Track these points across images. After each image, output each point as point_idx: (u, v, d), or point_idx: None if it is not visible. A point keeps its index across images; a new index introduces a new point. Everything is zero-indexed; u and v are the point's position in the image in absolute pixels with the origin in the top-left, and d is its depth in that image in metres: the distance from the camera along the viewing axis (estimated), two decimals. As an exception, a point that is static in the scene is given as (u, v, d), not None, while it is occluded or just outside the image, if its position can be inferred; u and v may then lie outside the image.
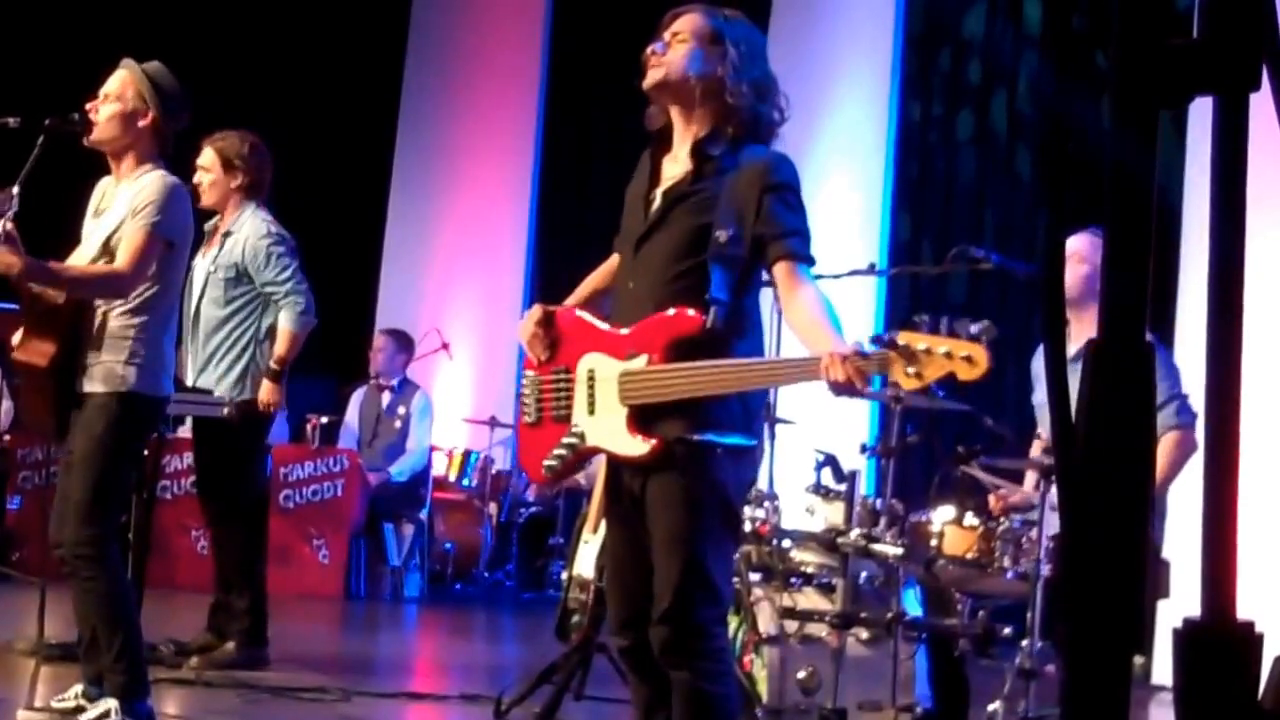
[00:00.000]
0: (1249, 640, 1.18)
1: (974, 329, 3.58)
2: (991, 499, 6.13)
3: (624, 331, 4.10)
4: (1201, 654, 1.18)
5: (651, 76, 4.15)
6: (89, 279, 5.46)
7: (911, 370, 3.56)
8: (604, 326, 4.17)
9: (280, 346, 7.12)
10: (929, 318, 3.63)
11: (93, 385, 5.38)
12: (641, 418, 4.00)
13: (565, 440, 4.18)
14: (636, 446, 4.00)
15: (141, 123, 5.56)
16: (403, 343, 11.66)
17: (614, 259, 4.40)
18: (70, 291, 5.43)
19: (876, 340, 3.64)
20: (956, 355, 3.54)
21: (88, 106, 5.57)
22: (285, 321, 7.13)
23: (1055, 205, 1.24)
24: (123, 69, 5.65)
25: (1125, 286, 1.17)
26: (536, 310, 4.31)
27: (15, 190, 5.42)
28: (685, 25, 4.17)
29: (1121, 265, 1.16)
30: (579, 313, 4.29)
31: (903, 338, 3.58)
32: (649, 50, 4.17)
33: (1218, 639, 1.17)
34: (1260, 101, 1.19)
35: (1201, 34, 1.16)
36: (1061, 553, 1.18)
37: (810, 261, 4.05)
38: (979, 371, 3.54)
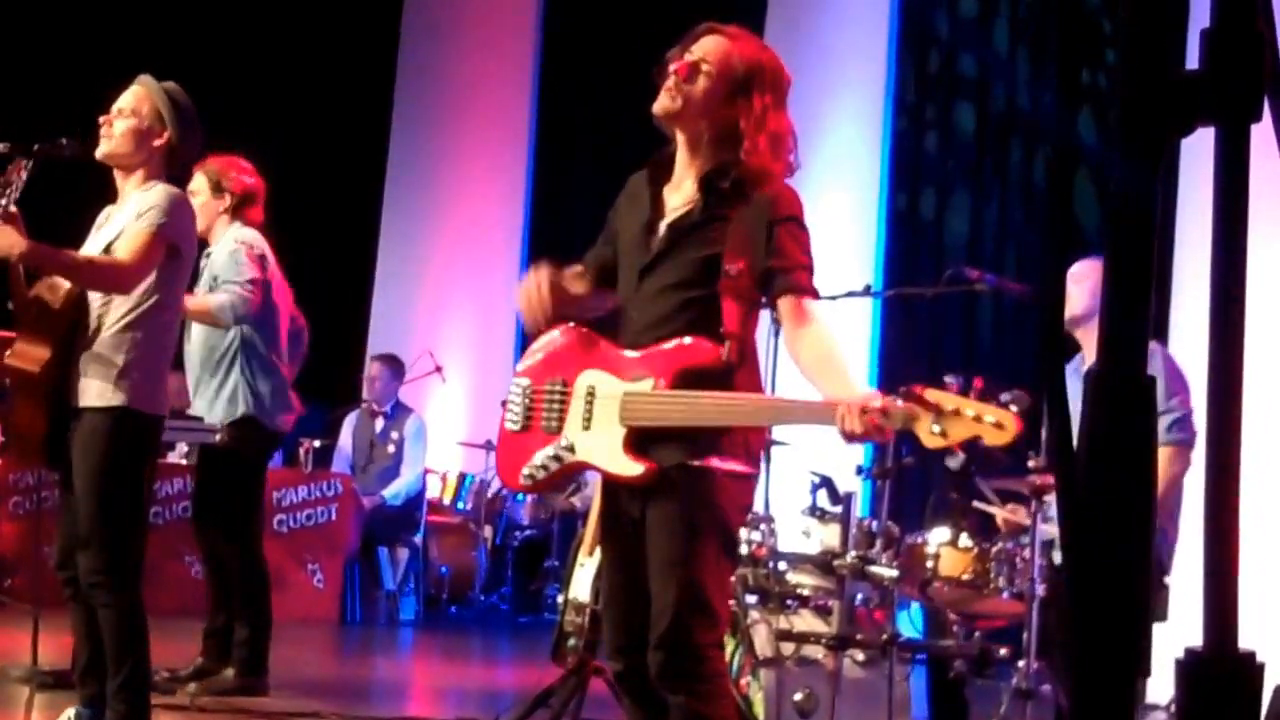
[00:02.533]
0: (1250, 670, 1.17)
1: (1006, 397, 3.54)
2: (999, 517, 6.09)
3: (631, 354, 4.07)
4: (1203, 684, 1.17)
5: (664, 104, 4.09)
6: (92, 266, 5.31)
7: (937, 429, 3.49)
8: (609, 346, 4.16)
9: (191, 302, 6.69)
10: (958, 379, 3.60)
11: (87, 400, 5.28)
12: (638, 440, 3.99)
13: (552, 451, 4.13)
14: (630, 468, 3.98)
15: (156, 142, 5.50)
16: (396, 368, 11.67)
17: (580, 266, 4.39)
18: (71, 276, 5.29)
19: (905, 394, 3.56)
20: (985, 420, 3.47)
21: (101, 120, 5.53)
22: (215, 300, 6.91)
23: (1056, 239, 1.23)
24: (139, 85, 5.60)
25: (1126, 315, 1.16)
26: (544, 271, 4.23)
27: (26, 164, 5.35)
28: (715, 58, 4.08)
29: (1123, 294, 1.16)
30: (585, 329, 4.26)
31: (932, 395, 3.52)
32: (672, 68, 4.08)
33: (1219, 669, 1.17)
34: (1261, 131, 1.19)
35: (1205, 65, 1.16)
36: (1065, 582, 1.18)
37: (815, 295, 4.02)
38: (1008, 438, 3.46)
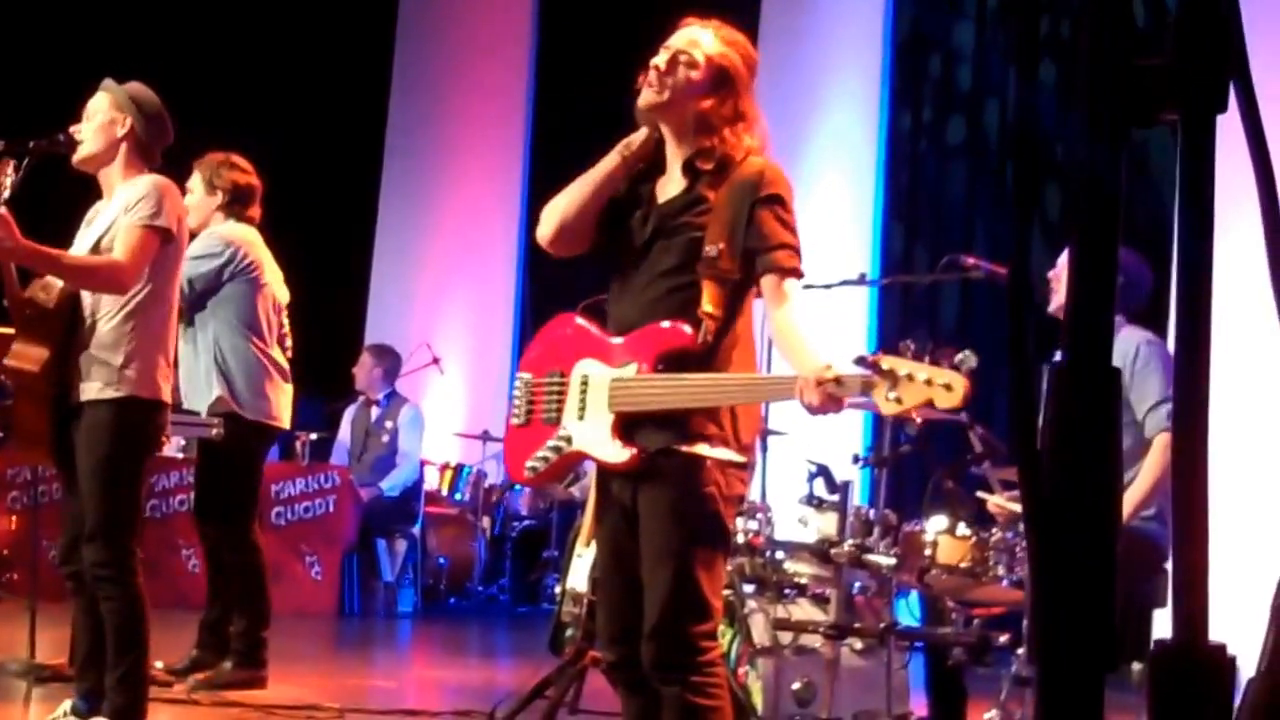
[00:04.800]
0: (1221, 664, 1.17)
1: (956, 358, 3.56)
2: (991, 505, 6.08)
3: (618, 340, 4.11)
4: (1174, 678, 1.17)
5: (648, 99, 4.12)
6: (88, 267, 5.35)
7: (892, 396, 3.52)
8: (600, 334, 4.18)
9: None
10: (914, 343, 3.62)
11: (88, 394, 5.31)
12: (626, 426, 4.01)
13: (551, 443, 4.18)
14: (617, 454, 4.02)
15: (121, 131, 5.54)
16: (382, 356, 11.64)
17: None
18: (66, 276, 5.33)
19: (859, 361, 3.60)
20: (936, 383, 3.49)
21: (72, 129, 5.56)
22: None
23: (1022, 224, 1.23)
24: (103, 90, 5.65)
25: (1090, 306, 1.16)
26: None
27: (13, 164, 5.39)
28: (696, 50, 4.12)
29: (1088, 284, 1.15)
30: (579, 320, 4.29)
31: (886, 362, 3.55)
32: (653, 63, 4.13)
33: (1190, 663, 1.16)
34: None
35: (1170, 55, 1.15)
36: (1031, 578, 1.17)
37: (797, 275, 4.03)
38: (956, 400, 3.48)
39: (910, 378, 3.51)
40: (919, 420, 3.75)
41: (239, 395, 7.08)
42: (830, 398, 3.63)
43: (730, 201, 4.03)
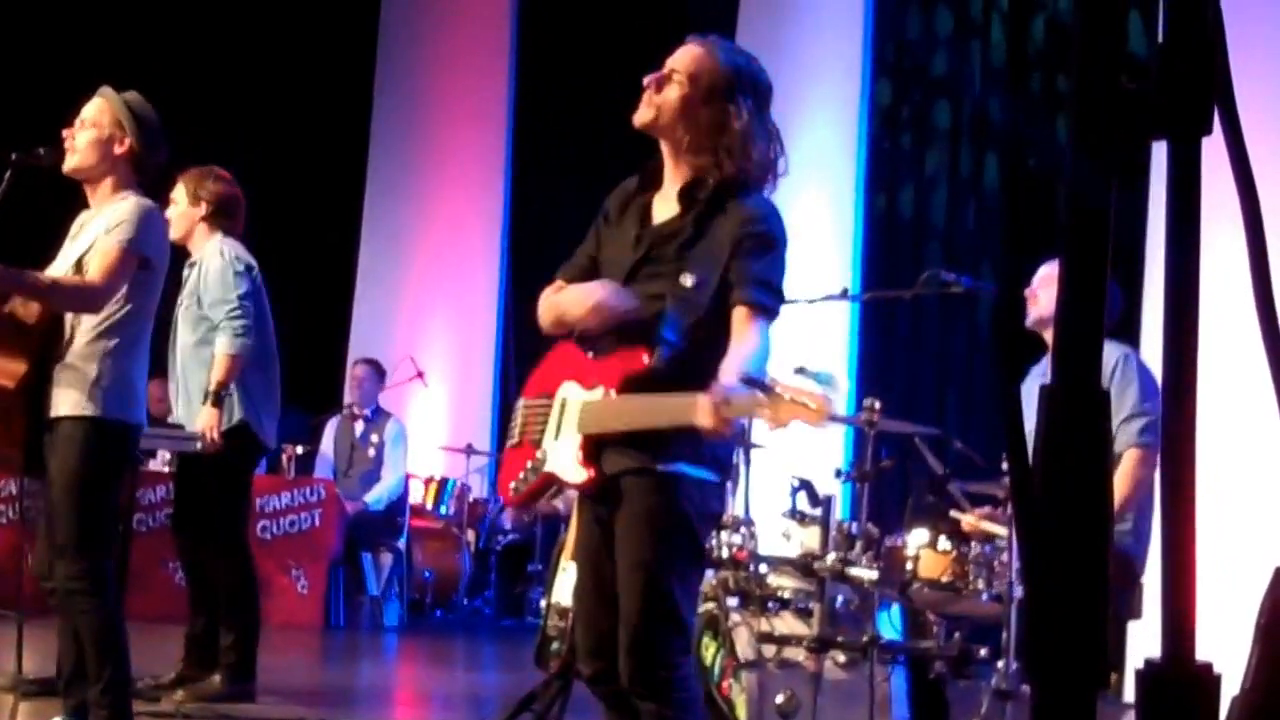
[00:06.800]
0: (1207, 681, 1.18)
1: (819, 376, 3.75)
2: (964, 523, 6.10)
3: (593, 363, 4.13)
4: (1161, 696, 1.18)
5: (639, 116, 4.11)
6: (61, 288, 5.35)
7: (767, 413, 3.62)
8: (584, 357, 4.18)
9: (218, 370, 6.95)
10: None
11: (62, 409, 5.30)
12: (593, 448, 4.03)
13: (530, 463, 4.21)
14: (577, 474, 4.06)
15: (118, 150, 5.53)
16: (378, 371, 11.69)
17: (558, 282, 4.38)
18: (42, 298, 5.32)
19: (747, 382, 3.68)
20: (799, 401, 3.59)
21: (64, 133, 5.55)
22: (222, 345, 6.98)
23: (1012, 243, 1.24)
24: (100, 97, 5.63)
25: (1080, 328, 1.17)
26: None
27: None
28: (685, 67, 4.09)
29: (1077, 307, 1.17)
30: (573, 342, 4.29)
31: (768, 383, 3.65)
32: (645, 81, 4.12)
33: (1177, 681, 1.18)
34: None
35: (1155, 79, 1.17)
36: (1024, 599, 1.19)
37: (766, 312, 3.99)
38: (819, 416, 3.60)
39: (779, 395, 3.60)
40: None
41: (258, 418, 7.10)
42: (722, 420, 3.68)
43: (720, 233, 4.02)
